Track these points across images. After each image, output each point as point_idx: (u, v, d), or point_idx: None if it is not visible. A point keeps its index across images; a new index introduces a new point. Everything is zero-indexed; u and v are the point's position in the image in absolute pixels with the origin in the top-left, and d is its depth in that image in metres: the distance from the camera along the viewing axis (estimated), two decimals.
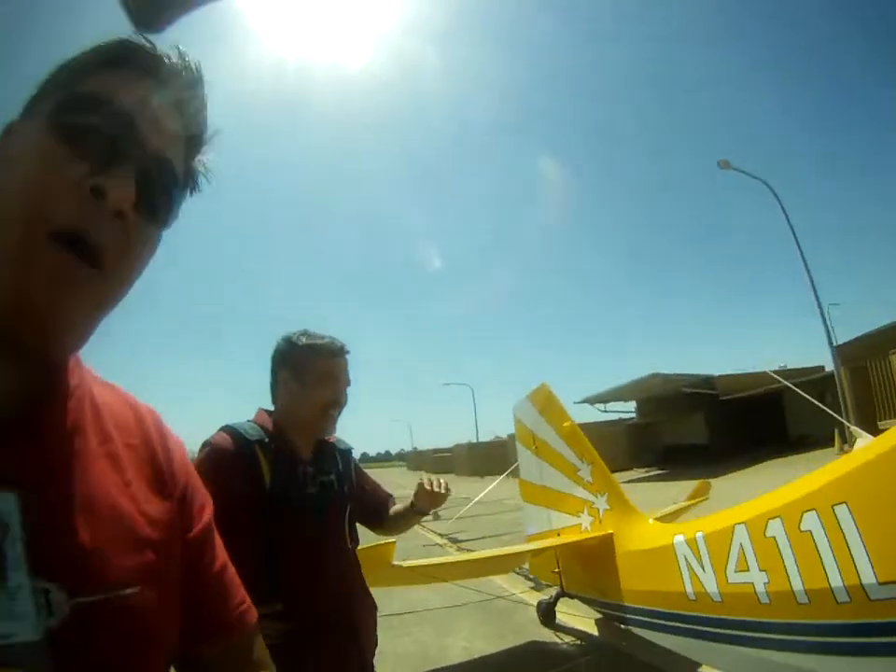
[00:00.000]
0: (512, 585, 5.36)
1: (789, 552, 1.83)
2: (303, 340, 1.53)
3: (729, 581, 2.09)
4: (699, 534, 2.33)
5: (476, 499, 5.01)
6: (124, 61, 0.51)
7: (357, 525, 1.68)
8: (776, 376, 5.22)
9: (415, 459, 68.80)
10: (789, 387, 4.26)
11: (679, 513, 4.44)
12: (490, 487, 4.46)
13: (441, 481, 1.72)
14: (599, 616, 3.47)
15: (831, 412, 3.88)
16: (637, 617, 2.75)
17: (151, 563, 0.51)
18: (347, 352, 1.58)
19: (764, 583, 1.91)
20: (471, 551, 7.76)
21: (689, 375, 20.53)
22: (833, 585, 1.66)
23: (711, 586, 2.18)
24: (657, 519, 3.43)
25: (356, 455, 1.76)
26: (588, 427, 26.81)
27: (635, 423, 27.45)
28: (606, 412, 25.23)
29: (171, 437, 0.63)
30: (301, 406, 1.50)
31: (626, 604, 2.82)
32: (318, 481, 1.47)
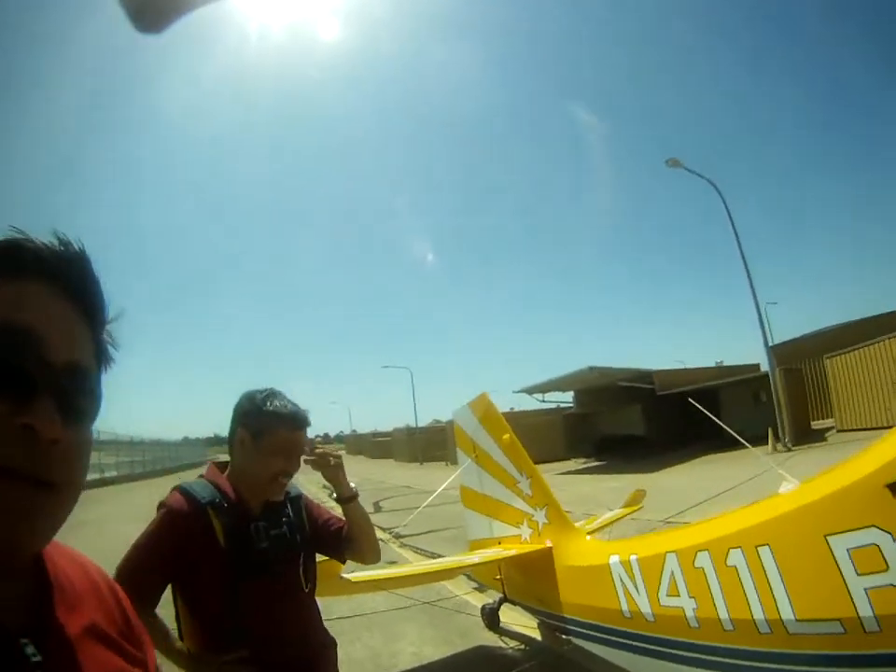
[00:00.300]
0: (456, 586, 5.49)
1: (716, 583, 2.01)
2: (268, 405, 1.53)
3: (661, 604, 2.26)
4: (633, 556, 2.49)
5: (432, 497, 5.06)
6: (7, 266, 0.52)
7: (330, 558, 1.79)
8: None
9: (354, 443, 68.39)
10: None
11: (613, 523, 4.65)
12: (447, 482, 4.51)
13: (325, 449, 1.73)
14: (539, 622, 3.61)
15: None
16: (576, 629, 2.90)
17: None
18: (308, 424, 1.60)
19: (693, 609, 2.09)
20: (414, 547, 7.91)
21: (626, 370, 21.36)
22: (755, 617, 1.83)
23: (645, 607, 2.34)
24: (593, 532, 3.63)
25: None
26: (526, 415, 27.45)
27: (572, 412, 28.33)
28: (544, 402, 25.92)
29: (117, 587, 0.71)
30: (252, 469, 1.53)
31: (566, 615, 2.97)
32: (270, 534, 1.52)
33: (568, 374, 21.21)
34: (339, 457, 1.71)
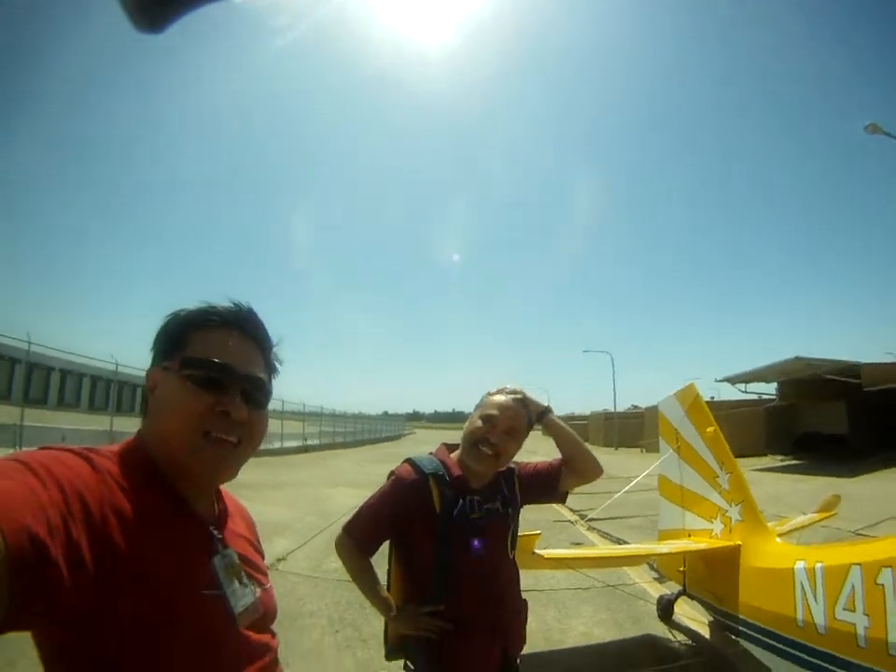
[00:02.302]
0: (638, 574, 5.48)
1: (893, 604, 1.87)
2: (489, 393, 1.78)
3: (836, 618, 2.14)
4: (819, 565, 2.36)
5: (630, 486, 5.12)
6: (210, 322, 0.88)
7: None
8: None
9: None
10: None
11: (804, 528, 4.23)
12: (647, 472, 4.52)
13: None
14: (713, 620, 3.52)
15: None
16: (747, 631, 2.82)
17: (266, 577, 0.99)
18: (519, 403, 1.73)
19: (865, 627, 1.96)
20: (601, 531, 7.94)
21: (833, 361, 18.70)
22: None
23: (819, 618, 2.23)
24: (783, 535, 3.40)
25: None
26: (726, 405, 25.34)
27: (774, 405, 25.86)
28: (745, 392, 23.84)
29: (252, 519, 1.10)
30: (463, 434, 1.75)
31: (740, 616, 2.90)
32: (483, 507, 1.68)
33: (773, 364, 19.58)
34: (519, 391, 1.79)
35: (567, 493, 1.91)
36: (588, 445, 1.97)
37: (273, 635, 0.94)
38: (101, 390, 28.01)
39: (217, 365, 0.83)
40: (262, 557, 1.02)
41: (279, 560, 5.72)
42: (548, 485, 1.85)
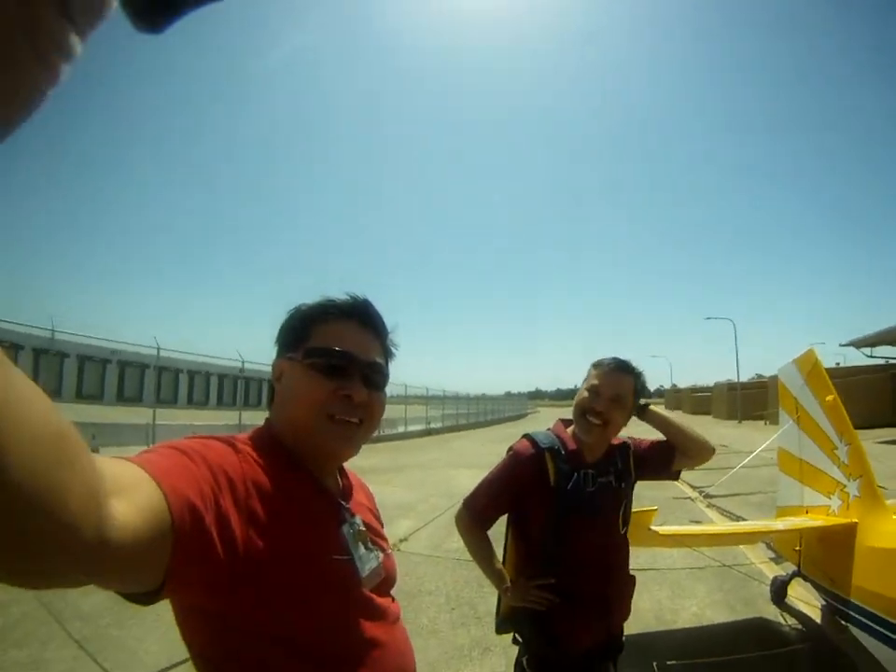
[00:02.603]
0: (754, 554, 5.30)
1: None
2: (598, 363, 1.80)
3: None
4: None
5: (746, 460, 4.97)
6: (329, 314, 0.95)
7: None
8: None
9: (672, 398, 64.85)
10: None
11: None
12: (767, 443, 4.34)
13: None
14: (825, 604, 3.38)
15: None
16: (857, 616, 2.72)
17: (387, 542, 1.06)
18: (622, 368, 1.74)
19: None
20: (721, 509, 7.67)
21: None
22: None
23: None
24: None
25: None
26: (849, 371, 22.91)
27: None
28: (871, 357, 20.79)
29: (370, 491, 1.18)
30: (573, 407, 1.78)
31: (852, 600, 2.79)
32: (598, 481, 1.71)
33: None
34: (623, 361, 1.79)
35: (680, 471, 1.94)
36: (711, 417, 1.96)
37: (393, 599, 1.00)
38: (228, 387, 30.68)
39: (337, 353, 0.91)
40: (382, 526, 1.10)
41: (401, 541, 6.02)
42: (662, 463, 1.88)
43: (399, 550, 5.66)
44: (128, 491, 0.53)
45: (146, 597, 0.61)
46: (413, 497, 8.56)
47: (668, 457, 1.87)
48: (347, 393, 0.89)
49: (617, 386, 1.70)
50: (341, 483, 0.99)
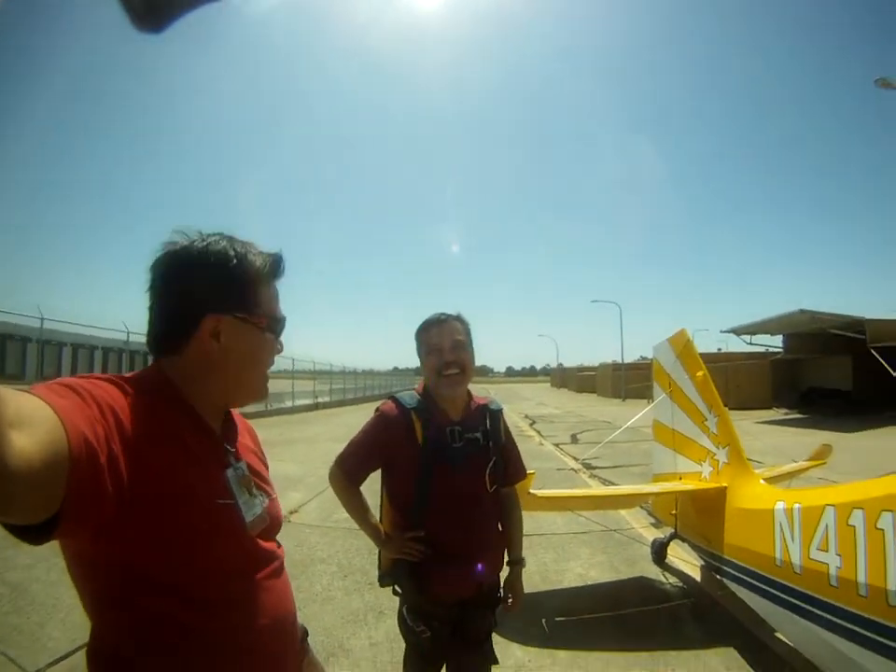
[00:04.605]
0: (635, 519, 5.67)
1: (862, 544, 1.95)
2: (425, 321, 1.87)
3: (810, 557, 2.24)
4: (797, 505, 2.45)
5: (621, 429, 5.33)
6: (270, 275, 0.96)
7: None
8: None
9: (559, 377, 68.99)
10: None
11: (792, 475, 4.34)
12: (637, 417, 4.69)
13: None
14: (702, 563, 3.67)
15: None
16: (731, 571, 2.96)
17: (271, 489, 1.05)
18: (445, 318, 1.82)
19: (837, 567, 2.06)
20: (603, 479, 8.16)
21: (838, 316, 18.26)
22: (889, 588, 1.78)
23: (796, 557, 2.34)
24: (768, 479, 3.51)
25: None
26: (732, 357, 25.07)
27: (780, 358, 26.14)
28: (751, 344, 23.65)
29: (256, 434, 1.16)
30: (425, 373, 1.85)
31: (725, 556, 3.04)
32: (465, 436, 1.77)
33: (778, 316, 19.15)
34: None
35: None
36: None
37: (279, 545, 1.01)
38: (112, 362, 28.12)
39: (284, 319, 1.00)
40: (267, 469, 1.10)
41: (291, 513, 5.95)
42: (506, 475, 1.93)
43: (289, 521, 5.55)
44: (29, 422, 0.56)
45: (37, 536, 0.62)
46: (301, 470, 8.52)
47: (504, 471, 1.90)
48: (280, 351, 1.00)
49: (451, 332, 1.80)
50: (228, 427, 0.99)
